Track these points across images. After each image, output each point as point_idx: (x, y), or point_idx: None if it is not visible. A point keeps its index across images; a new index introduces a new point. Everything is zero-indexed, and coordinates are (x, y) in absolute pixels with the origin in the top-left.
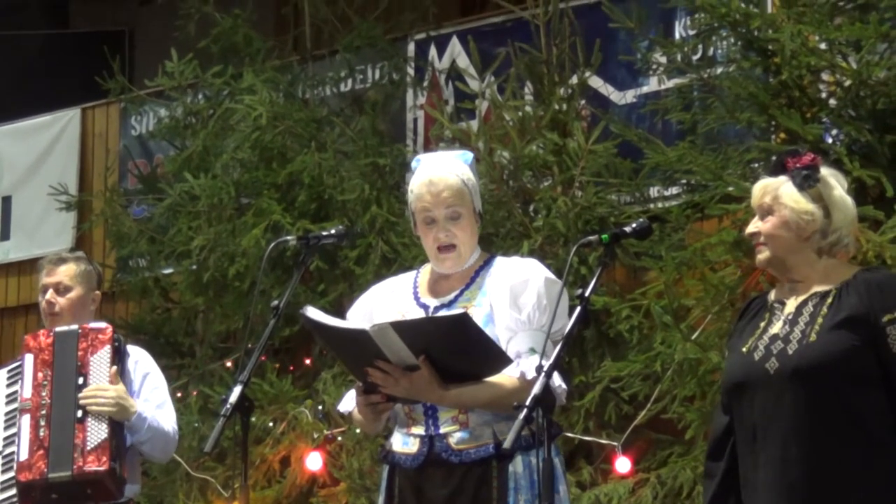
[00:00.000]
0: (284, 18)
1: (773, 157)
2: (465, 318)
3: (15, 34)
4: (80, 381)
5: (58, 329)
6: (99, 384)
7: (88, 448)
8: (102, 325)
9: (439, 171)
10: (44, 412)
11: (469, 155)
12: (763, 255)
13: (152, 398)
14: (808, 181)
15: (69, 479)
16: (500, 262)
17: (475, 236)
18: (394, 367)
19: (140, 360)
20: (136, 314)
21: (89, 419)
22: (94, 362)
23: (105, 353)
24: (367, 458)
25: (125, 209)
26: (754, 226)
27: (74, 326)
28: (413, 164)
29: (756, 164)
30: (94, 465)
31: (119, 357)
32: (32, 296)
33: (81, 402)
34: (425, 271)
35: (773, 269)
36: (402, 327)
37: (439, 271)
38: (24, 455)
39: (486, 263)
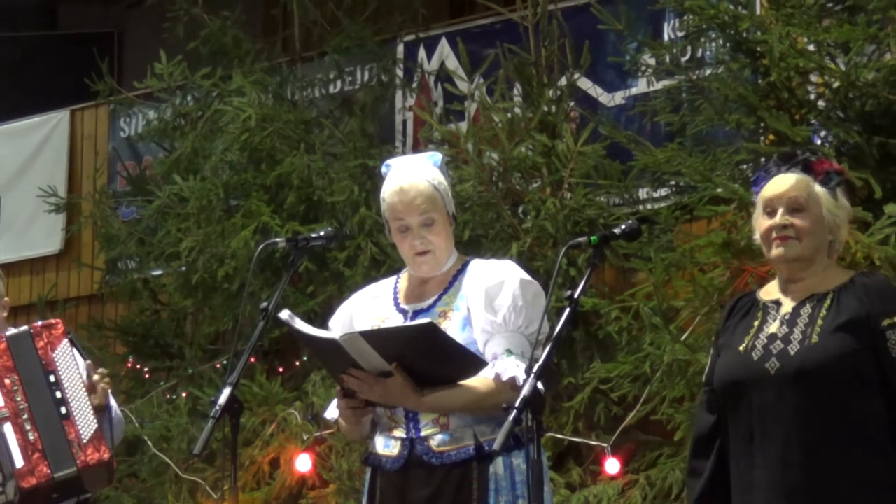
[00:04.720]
0: (273, 20)
1: (799, 154)
2: (431, 328)
3: (3, 36)
4: (52, 378)
5: (8, 333)
6: (100, 369)
7: (85, 441)
8: (52, 321)
9: (410, 178)
10: (25, 416)
11: (438, 156)
12: (792, 250)
13: None
14: (838, 187)
15: (75, 476)
16: (476, 265)
17: (450, 239)
18: (367, 375)
19: None
20: (125, 316)
21: (75, 414)
22: (59, 358)
23: (66, 347)
24: (357, 460)
25: (114, 211)
26: (785, 218)
27: (24, 328)
28: (383, 170)
29: (745, 166)
30: (97, 456)
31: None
32: (20, 298)
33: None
34: (405, 276)
35: (794, 265)
36: (371, 336)
37: (418, 275)
38: (19, 462)
39: (462, 267)
